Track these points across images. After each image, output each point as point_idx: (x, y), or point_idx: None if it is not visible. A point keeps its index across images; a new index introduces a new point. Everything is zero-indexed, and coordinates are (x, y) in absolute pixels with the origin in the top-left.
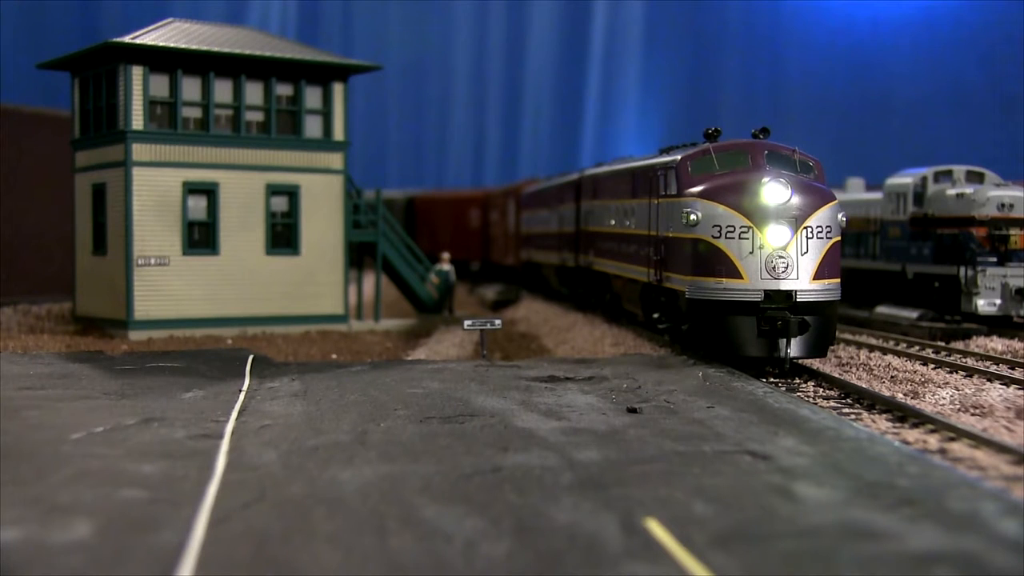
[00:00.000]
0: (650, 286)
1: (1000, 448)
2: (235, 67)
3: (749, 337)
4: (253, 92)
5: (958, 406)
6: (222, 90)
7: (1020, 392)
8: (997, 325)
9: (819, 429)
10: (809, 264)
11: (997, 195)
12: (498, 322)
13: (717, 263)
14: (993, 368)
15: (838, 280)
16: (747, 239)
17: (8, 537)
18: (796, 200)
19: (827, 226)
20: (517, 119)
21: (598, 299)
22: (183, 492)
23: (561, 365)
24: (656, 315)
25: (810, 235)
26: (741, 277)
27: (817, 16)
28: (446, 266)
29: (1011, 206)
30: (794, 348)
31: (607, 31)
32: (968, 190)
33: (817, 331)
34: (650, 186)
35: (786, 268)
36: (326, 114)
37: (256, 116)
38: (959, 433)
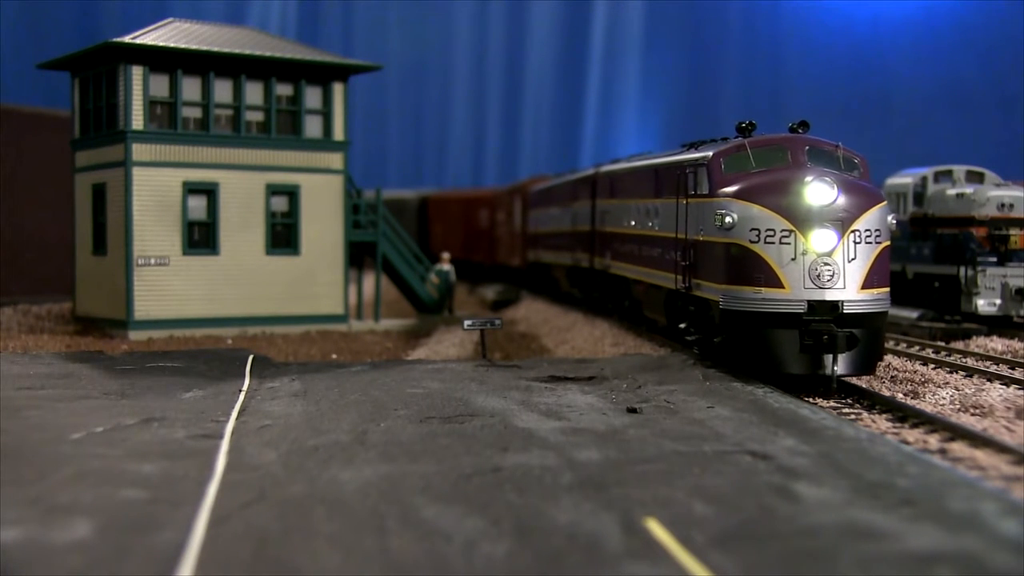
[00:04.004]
0: (676, 293)
1: (1000, 448)
2: (235, 67)
3: (791, 353)
4: (253, 92)
5: (958, 406)
6: (222, 90)
7: (1020, 392)
8: (997, 325)
9: (819, 429)
10: (857, 272)
11: (997, 195)
12: (498, 322)
13: (755, 271)
14: (993, 368)
15: (888, 289)
16: (788, 244)
17: (8, 537)
18: (842, 201)
19: (876, 229)
20: (517, 119)
21: (615, 304)
22: (183, 492)
23: (561, 365)
24: (683, 325)
25: (858, 239)
26: (782, 286)
27: (817, 16)
28: (446, 266)
29: (1011, 206)
30: (841, 365)
31: (607, 31)
32: (968, 190)
33: (865, 346)
34: (677, 184)
35: (832, 276)
36: (326, 114)
37: (256, 116)
38: (959, 433)
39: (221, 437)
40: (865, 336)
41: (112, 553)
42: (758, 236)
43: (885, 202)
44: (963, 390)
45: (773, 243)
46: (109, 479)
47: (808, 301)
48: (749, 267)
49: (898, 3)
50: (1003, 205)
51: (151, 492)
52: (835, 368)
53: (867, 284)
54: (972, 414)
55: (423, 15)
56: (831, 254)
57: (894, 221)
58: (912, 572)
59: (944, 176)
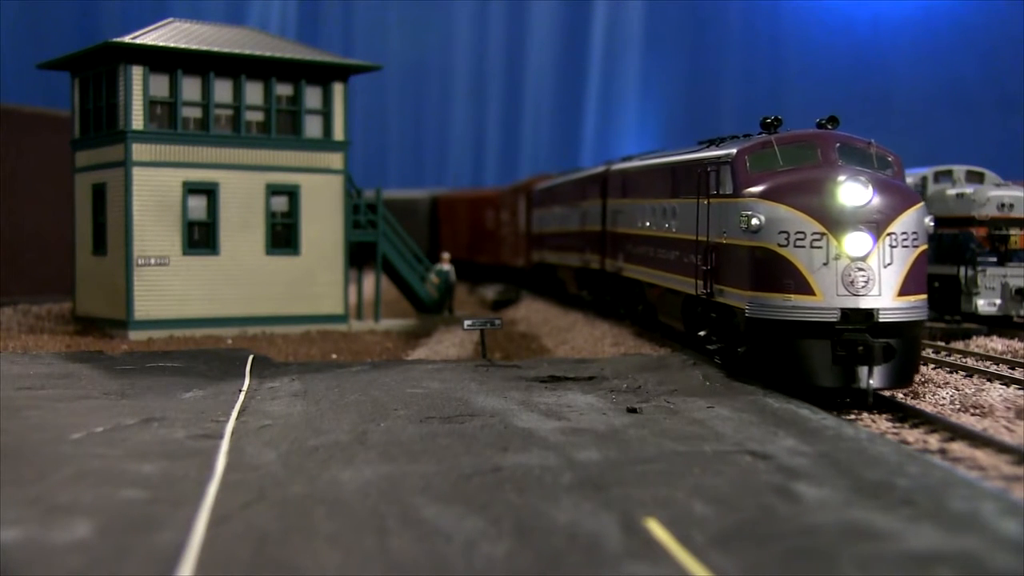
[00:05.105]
0: (696, 299)
1: (1000, 448)
2: (235, 67)
3: (822, 364)
4: (253, 92)
5: (958, 406)
6: (222, 90)
7: (1020, 392)
8: (997, 325)
9: (819, 429)
10: (893, 277)
11: (997, 195)
12: (498, 322)
13: (784, 276)
14: (993, 368)
15: (925, 296)
16: (820, 248)
17: (8, 537)
18: (878, 202)
19: (913, 232)
20: (517, 119)
21: (628, 309)
22: (183, 492)
23: (561, 365)
24: (703, 333)
25: (894, 243)
26: (813, 293)
27: (817, 16)
28: (446, 266)
29: (1011, 206)
30: (876, 378)
31: (607, 31)
32: (968, 190)
33: (902, 357)
34: (697, 184)
35: (866, 283)
36: (326, 114)
37: (256, 116)
38: (959, 433)
39: (221, 437)
40: (902, 346)
41: (112, 553)
42: (787, 239)
43: (922, 203)
44: (963, 390)
45: (803, 247)
46: (109, 479)
47: (841, 309)
48: (777, 272)
49: (898, 3)
50: (1003, 205)
51: (151, 492)
52: (870, 381)
53: (904, 291)
54: (972, 414)
55: (423, 15)
56: (866, 259)
57: (932, 223)
58: (912, 572)
59: (944, 176)
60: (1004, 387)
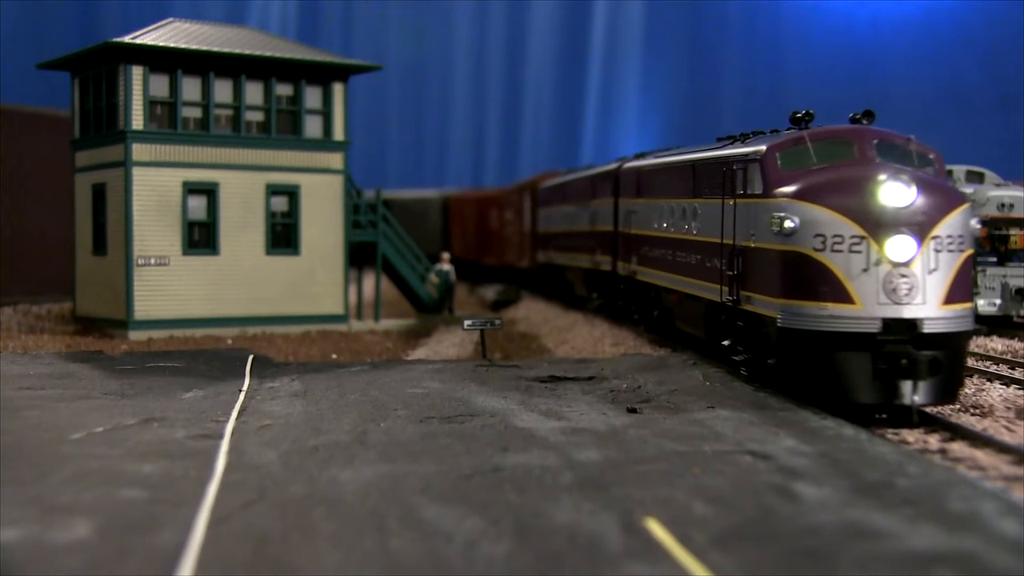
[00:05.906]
0: (719, 306)
1: (1000, 448)
2: (235, 67)
3: (861, 379)
4: (253, 92)
5: (958, 406)
6: (222, 90)
7: (1020, 392)
8: (997, 325)
9: (819, 429)
10: (938, 285)
11: (997, 195)
12: (498, 322)
13: (820, 283)
14: (993, 368)
15: (971, 305)
16: (859, 253)
17: (8, 537)
18: (922, 202)
19: (959, 235)
20: (517, 119)
21: (643, 313)
22: (183, 492)
23: (561, 365)
24: (727, 342)
25: (939, 247)
26: (852, 302)
27: (817, 16)
28: (446, 266)
29: (1011, 206)
30: (920, 393)
31: (607, 31)
32: (968, 190)
33: (948, 371)
34: (722, 182)
35: (910, 290)
36: (326, 114)
37: (256, 116)
38: (959, 433)
39: (221, 437)
40: (947, 359)
41: (112, 553)
42: (823, 243)
43: (969, 204)
44: (963, 390)
45: (841, 251)
46: (109, 479)
47: (883, 319)
48: (813, 279)
49: (898, 3)
50: (1003, 205)
51: (151, 492)
52: (915, 397)
53: (949, 299)
54: (972, 414)
55: (423, 15)
56: (909, 264)
57: (979, 226)
58: (912, 572)
59: None
60: (1004, 387)
